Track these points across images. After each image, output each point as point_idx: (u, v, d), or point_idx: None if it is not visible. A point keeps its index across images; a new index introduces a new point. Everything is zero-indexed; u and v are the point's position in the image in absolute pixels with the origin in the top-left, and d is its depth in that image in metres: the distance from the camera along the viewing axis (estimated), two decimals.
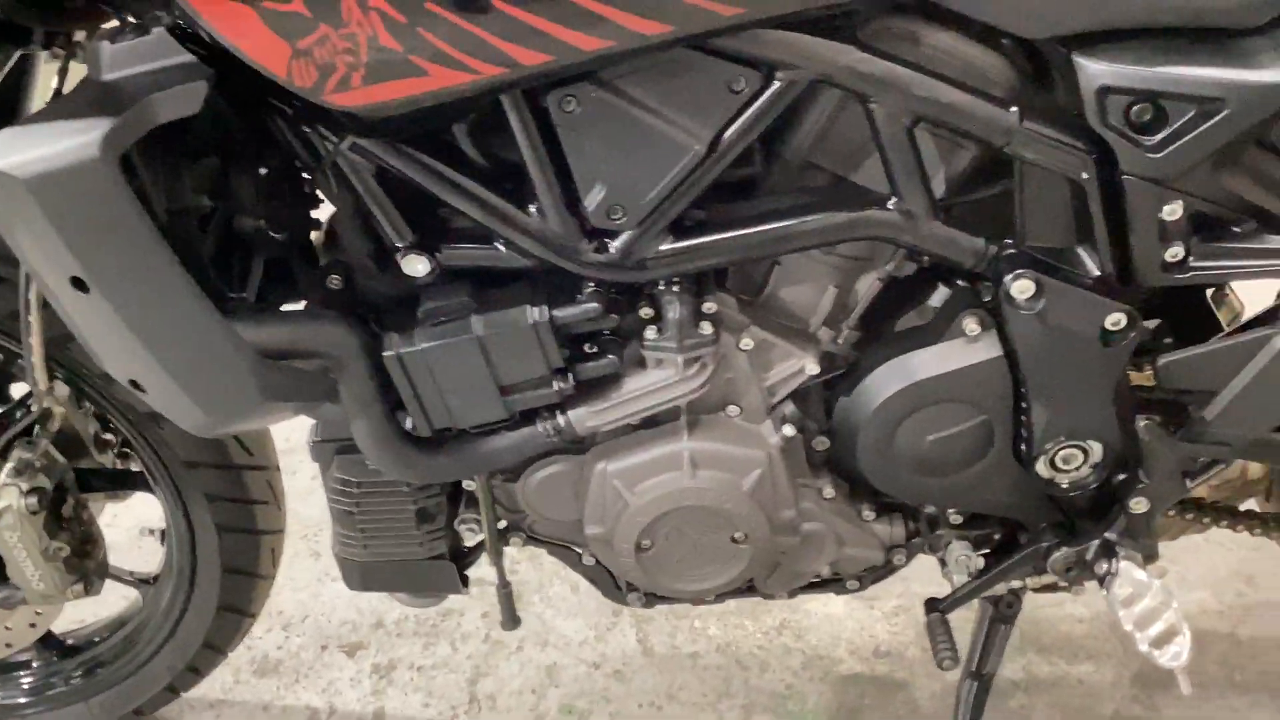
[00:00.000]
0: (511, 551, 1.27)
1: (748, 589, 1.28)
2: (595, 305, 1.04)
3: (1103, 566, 1.15)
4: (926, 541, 1.26)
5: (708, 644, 1.69)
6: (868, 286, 1.14)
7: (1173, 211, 1.01)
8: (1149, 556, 1.18)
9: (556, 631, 1.73)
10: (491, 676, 1.66)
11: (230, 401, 0.98)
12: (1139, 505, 1.14)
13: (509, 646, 1.71)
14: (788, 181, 1.07)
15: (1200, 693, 1.54)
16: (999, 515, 1.23)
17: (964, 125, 0.99)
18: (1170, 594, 1.12)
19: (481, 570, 1.82)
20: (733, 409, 1.15)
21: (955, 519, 1.24)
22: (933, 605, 1.26)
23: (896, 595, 1.73)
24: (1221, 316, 1.23)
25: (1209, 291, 1.26)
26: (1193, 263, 1.05)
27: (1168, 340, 1.18)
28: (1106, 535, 1.16)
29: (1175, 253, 1.04)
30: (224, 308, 0.96)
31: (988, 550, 1.27)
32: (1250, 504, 1.34)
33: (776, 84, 0.96)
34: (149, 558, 1.51)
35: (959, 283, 1.12)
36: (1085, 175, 1.00)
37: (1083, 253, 1.05)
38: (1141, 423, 1.11)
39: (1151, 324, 1.22)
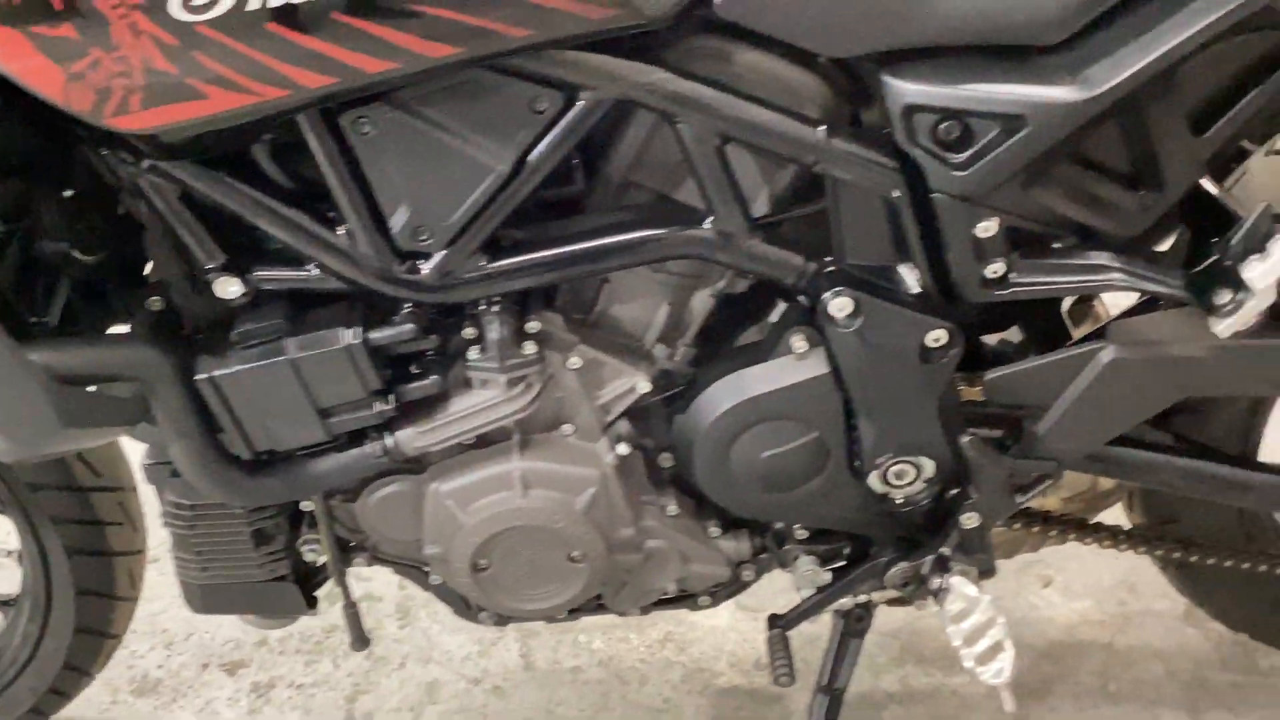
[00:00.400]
0: None
1: (599, 607, 1.28)
2: (411, 326, 1.04)
3: (936, 581, 1.15)
4: (775, 557, 1.26)
5: (590, 658, 1.69)
6: (702, 303, 1.14)
7: (987, 228, 1.02)
8: (985, 571, 1.18)
9: (440, 647, 1.72)
10: (371, 694, 1.66)
11: (31, 429, 0.97)
12: (970, 520, 1.15)
13: (391, 663, 1.71)
14: (610, 200, 1.08)
15: (1073, 703, 1.55)
16: (843, 530, 1.23)
17: (771, 143, 0.99)
18: (998, 610, 1.13)
19: (370, 585, 1.82)
20: (567, 427, 1.15)
21: (801, 534, 1.24)
22: (775, 621, 1.26)
23: (783, 608, 1.72)
24: (1086, 328, 1.24)
25: (1066, 303, 1.27)
26: (1014, 278, 1.05)
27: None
28: (941, 550, 1.16)
29: (995, 269, 1.04)
30: (22, 333, 0.95)
31: (839, 564, 1.28)
32: (1119, 516, 1.34)
33: (580, 104, 0.96)
34: (11, 579, 1.49)
35: (790, 299, 1.12)
36: (897, 193, 1.00)
37: (903, 270, 1.06)
38: (966, 438, 1.11)
39: (1006, 336, 1.24)
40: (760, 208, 1.08)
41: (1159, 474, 1.19)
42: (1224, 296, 0.97)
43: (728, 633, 1.72)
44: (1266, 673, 1.56)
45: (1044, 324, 1.23)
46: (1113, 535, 1.29)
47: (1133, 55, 0.92)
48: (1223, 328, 0.98)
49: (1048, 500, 1.30)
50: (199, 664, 1.73)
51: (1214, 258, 1.00)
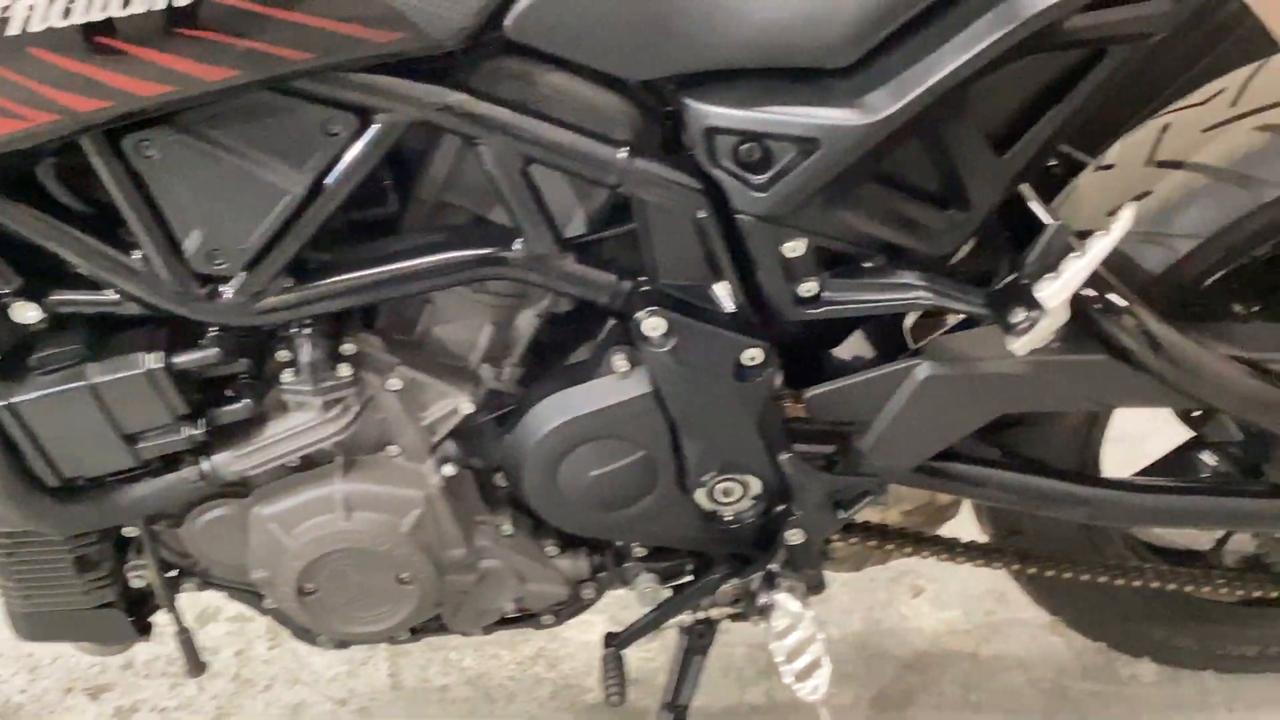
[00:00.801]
0: None
1: (439, 627, 1.27)
2: (217, 350, 1.03)
3: (763, 598, 1.16)
4: (614, 575, 1.26)
5: (459, 676, 1.68)
6: (527, 323, 1.14)
7: (794, 248, 1.03)
8: (814, 587, 1.19)
9: (309, 668, 1.71)
10: (235, 717, 1.64)
11: None
12: (795, 536, 1.15)
13: (258, 685, 1.69)
14: (426, 221, 1.07)
15: (934, 713, 1.56)
16: (678, 547, 1.23)
17: (571, 165, 0.99)
18: (819, 627, 1.13)
19: (241, 605, 1.80)
20: (392, 449, 1.14)
21: (640, 551, 1.25)
22: (610, 640, 1.26)
23: None
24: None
25: (910, 318, 1.28)
26: (827, 297, 1.06)
27: None
28: (769, 566, 1.17)
29: (808, 288, 1.05)
30: None
31: (682, 581, 1.28)
32: (974, 529, 1.36)
33: (376, 126, 0.96)
34: None
35: (616, 318, 1.13)
36: (703, 214, 1.01)
37: (717, 289, 1.06)
38: (784, 455, 1.12)
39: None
40: (576, 227, 1.08)
41: (985, 488, 1.20)
42: (1019, 315, 0.99)
43: (600, 649, 1.72)
44: (1126, 681, 1.58)
45: (883, 339, 1.24)
46: (949, 548, 1.30)
47: (918, 78, 0.93)
48: (1018, 346, 0.99)
49: (888, 514, 1.31)
50: (62, 688, 1.71)
51: (1012, 276, 1.01)
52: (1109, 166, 1.22)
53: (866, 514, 1.30)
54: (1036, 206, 1.12)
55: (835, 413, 1.13)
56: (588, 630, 1.74)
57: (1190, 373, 1.10)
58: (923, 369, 1.09)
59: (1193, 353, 1.10)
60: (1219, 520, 1.27)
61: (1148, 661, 1.57)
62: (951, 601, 1.73)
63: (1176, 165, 1.16)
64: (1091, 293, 1.09)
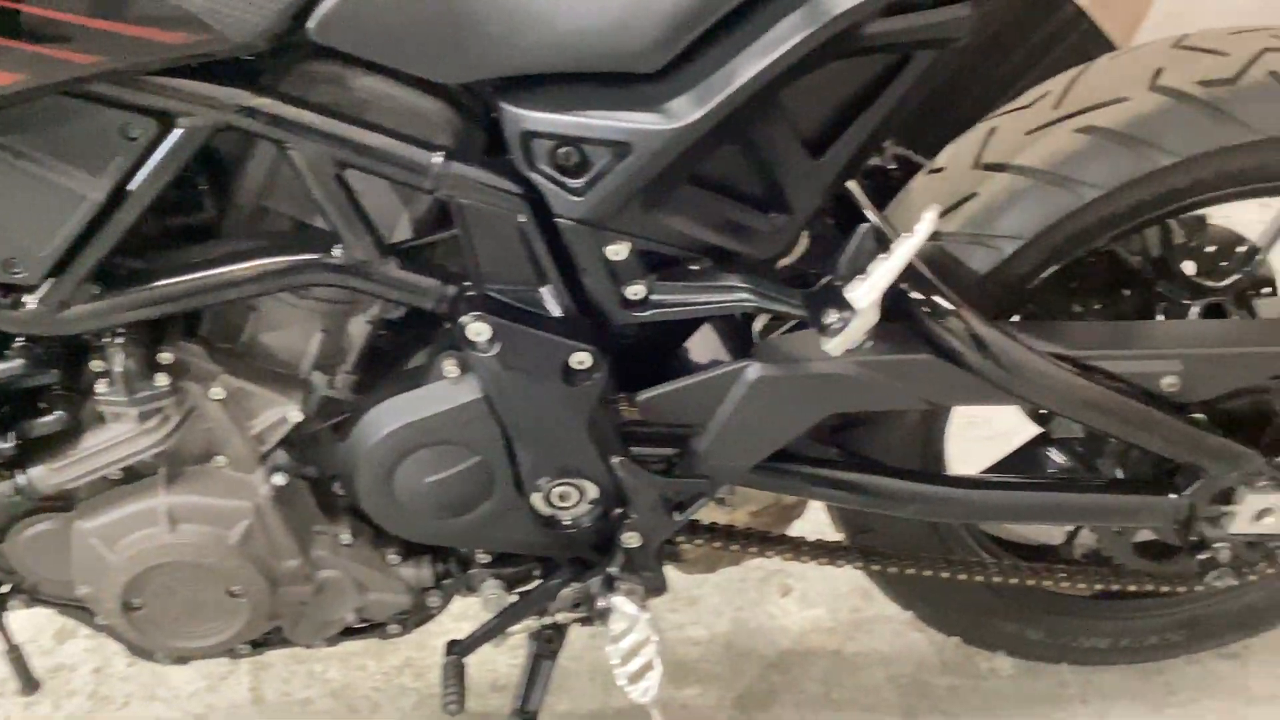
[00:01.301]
0: None
1: (282, 641, 1.26)
2: (22, 362, 1.00)
3: (602, 601, 1.16)
4: (459, 582, 1.25)
5: (323, 689, 1.66)
6: (359, 329, 1.13)
7: (617, 252, 1.03)
8: (655, 589, 1.19)
9: (168, 683, 1.67)
10: None
11: None
12: (631, 539, 1.16)
13: (114, 702, 1.65)
14: (246, 226, 1.06)
15: (796, 711, 1.57)
16: (521, 552, 1.23)
17: (385, 169, 0.99)
18: (654, 629, 1.14)
19: None
20: (219, 459, 1.12)
21: (484, 558, 1.24)
22: (452, 647, 1.26)
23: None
24: None
25: (759, 320, 1.29)
26: (655, 299, 1.07)
27: None
28: (609, 570, 1.17)
29: (635, 291, 1.06)
30: None
31: (530, 587, 1.28)
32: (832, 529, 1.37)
33: (178, 131, 0.94)
34: None
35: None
36: (523, 219, 1.01)
37: (545, 293, 1.06)
38: (617, 459, 1.12)
39: None
40: (401, 232, 1.07)
41: (823, 488, 1.22)
42: (832, 315, 1.00)
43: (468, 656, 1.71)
44: (984, 675, 1.61)
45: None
46: (796, 548, 1.31)
47: (724, 82, 0.93)
48: (832, 346, 1.01)
49: (736, 515, 1.32)
50: None
51: (826, 278, 1.02)
52: (940, 170, 1.24)
53: (714, 515, 1.31)
54: (867, 209, 1.14)
55: (670, 415, 1.14)
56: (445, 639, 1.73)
57: (1012, 371, 1.12)
58: (752, 370, 1.10)
59: (1015, 352, 1.12)
60: (1057, 515, 1.30)
61: (1006, 655, 1.60)
62: (819, 600, 1.75)
63: (1001, 168, 1.18)
64: (918, 295, 1.11)
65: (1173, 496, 1.23)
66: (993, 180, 1.18)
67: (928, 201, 1.21)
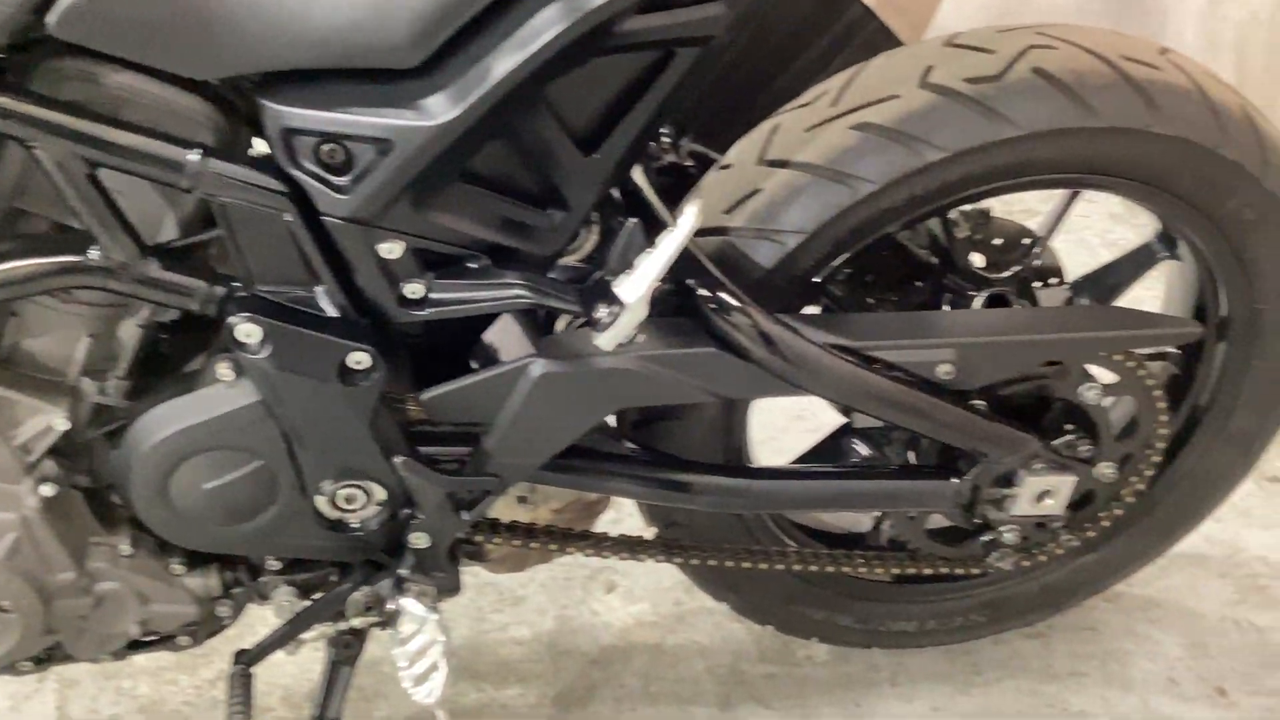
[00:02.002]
0: None
1: (65, 656, 1.22)
2: None
3: (391, 604, 1.15)
4: (250, 590, 1.23)
5: (131, 705, 1.61)
6: (130, 333, 1.10)
7: (391, 250, 1.03)
8: (448, 590, 1.19)
9: None
10: None
11: None
12: (419, 540, 1.15)
13: None
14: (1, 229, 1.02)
15: (613, 706, 1.59)
16: (313, 557, 1.22)
17: (140, 169, 0.97)
18: (442, 630, 1.13)
19: None
20: None
21: (274, 564, 1.22)
22: (240, 657, 1.24)
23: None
24: None
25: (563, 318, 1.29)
26: (434, 298, 1.06)
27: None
28: (399, 572, 1.17)
29: (413, 289, 1.05)
30: None
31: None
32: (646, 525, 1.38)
33: None
34: None
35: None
36: (289, 217, 0.99)
37: (319, 293, 1.05)
38: (399, 459, 1.11)
39: None
40: (166, 232, 1.05)
41: (615, 483, 1.23)
42: (602, 310, 1.01)
43: (286, 666, 1.68)
44: (801, 662, 1.64)
45: None
46: (598, 543, 1.32)
47: (482, 77, 0.94)
48: (603, 341, 1.02)
49: (538, 512, 1.32)
50: None
51: (599, 274, 1.04)
52: (728, 166, 1.26)
53: (516, 513, 1.31)
54: (655, 205, 1.16)
55: (457, 414, 1.14)
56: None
57: (794, 363, 1.15)
58: (536, 367, 1.10)
59: (796, 344, 1.15)
60: (849, 502, 1.34)
61: (821, 642, 1.63)
62: (643, 595, 1.76)
63: (783, 164, 1.21)
64: (703, 290, 1.13)
65: (954, 481, 1.28)
66: (775, 176, 1.21)
67: (716, 197, 1.24)
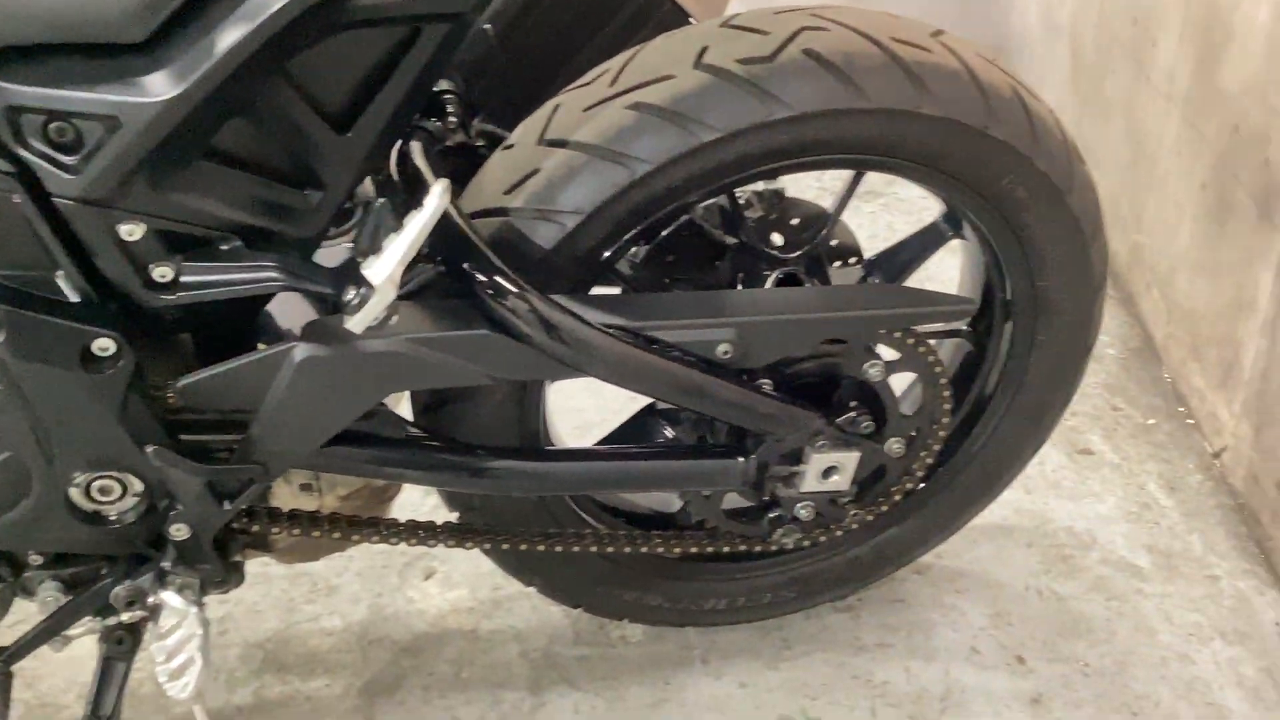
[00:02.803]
0: None
1: None
2: None
3: (153, 597, 1.12)
4: (14, 585, 1.19)
5: None
6: None
7: (131, 232, 1.00)
8: (217, 583, 1.16)
9: None
10: None
11: None
12: (179, 531, 1.13)
13: None
14: None
15: (423, 694, 1.58)
16: (75, 550, 1.18)
17: None
18: (201, 624, 1.11)
19: None
20: None
21: (36, 559, 1.18)
22: None
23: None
24: None
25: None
26: (185, 280, 1.04)
27: None
28: (162, 564, 1.14)
29: (162, 273, 1.02)
30: None
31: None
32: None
33: None
34: None
35: None
36: (18, 199, 0.96)
37: (59, 278, 1.01)
38: (151, 449, 1.08)
39: None
40: None
41: (393, 469, 1.21)
42: (351, 293, 0.99)
43: (87, 661, 1.63)
44: (615, 643, 1.65)
45: None
46: (386, 531, 1.30)
47: (207, 54, 0.91)
48: (353, 324, 1.00)
49: (326, 500, 1.30)
50: None
51: (349, 255, 1.02)
52: (511, 146, 1.25)
53: (302, 501, 1.29)
54: (432, 184, 1.14)
55: (217, 401, 1.11)
56: (74, 647, 1.65)
57: (571, 345, 1.15)
58: (299, 351, 1.08)
59: (572, 326, 1.15)
60: (638, 483, 1.34)
61: (634, 623, 1.64)
62: (461, 581, 1.75)
63: (562, 144, 1.20)
64: (477, 272, 1.12)
65: (739, 460, 1.29)
66: (554, 156, 1.21)
67: (499, 177, 1.23)
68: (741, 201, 1.39)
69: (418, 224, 0.97)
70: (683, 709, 1.55)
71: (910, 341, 1.30)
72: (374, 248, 1.00)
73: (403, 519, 1.34)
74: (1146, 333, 2.29)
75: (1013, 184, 1.29)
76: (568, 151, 1.20)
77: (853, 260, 1.48)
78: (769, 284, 1.37)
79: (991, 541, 1.81)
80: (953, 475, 1.56)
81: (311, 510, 1.27)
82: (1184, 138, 2.13)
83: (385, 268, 0.97)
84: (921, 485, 1.53)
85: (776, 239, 1.42)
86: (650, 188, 1.20)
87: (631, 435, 1.47)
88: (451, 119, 1.34)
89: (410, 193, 1.18)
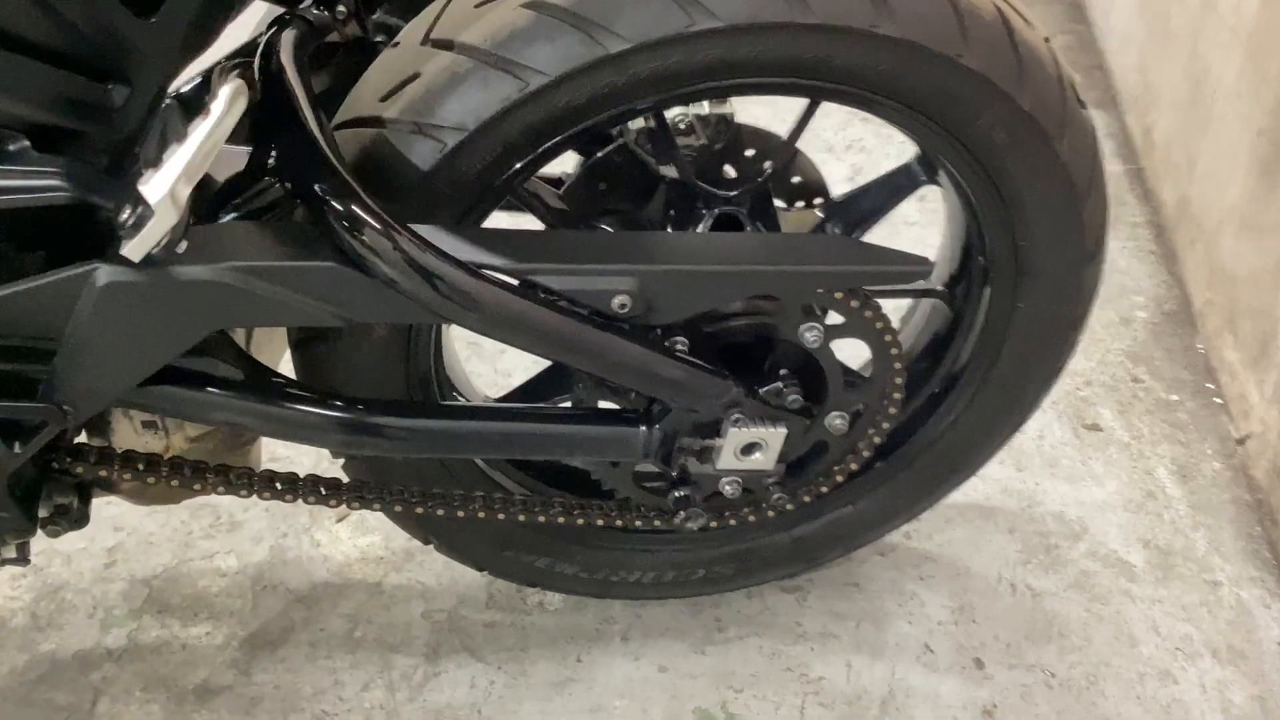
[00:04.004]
0: None
1: None
2: None
3: None
4: None
5: None
6: None
7: None
8: (16, 531, 1.04)
9: None
10: None
11: None
12: None
13: None
14: None
15: (308, 651, 1.46)
16: None
17: None
18: None
19: None
20: None
21: None
22: None
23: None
24: None
25: None
26: None
27: None
28: None
29: None
30: None
31: None
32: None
33: None
34: None
35: None
36: None
37: None
38: None
39: None
40: None
41: (225, 414, 1.07)
42: (126, 212, 0.84)
43: None
44: (530, 610, 1.52)
45: None
46: (230, 482, 1.16)
47: None
48: (129, 249, 0.86)
49: (172, 440, 1.17)
50: None
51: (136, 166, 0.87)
52: (397, 44, 1.09)
53: (145, 441, 1.16)
54: (298, 92, 0.99)
55: (10, 327, 0.97)
56: None
57: (429, 286, 0.99)
58: (101, 274, 0.94)
59: (431, 263, 0.99)
60: (528, 448, 1.19)
61: (547, 591, 1.51)
62: (377, 526, 1.63)
63: (449, 45, 1.04)
64: (326, 193, 0.97)
65: (641, 429, 1.13)
66: (437, 60, 1.05)
67: (381, 80, 1.07)
68: (682, 126, 1.22)
69: (200, 134, 0.82)
70: (590, 692, 1.42)
71: (854, 304, 1.13)
72: (157, 159, 0.85)
73: (261, 468, 1.21)
74: (1185, 295, 2.08)
75: (990, 125, 1.11)
76: (452, 55, 1.04)
77: (814, 202, 1.31)
78: (703, 226, 1.20)
79: (968, 523, 1.65)
80: (915, 454, 1.39)
81: (152, 453, 1.14)
82: (1245, 75, 1.90)
83: (162, 185, 0.82)
84: (877, 465, 1.37)
85: (727, 172, 1.25)
86: (547, 104, 1.04)
87: (542, 390, 1.32)
88: (341, 8, 1.17)
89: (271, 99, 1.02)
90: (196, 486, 1.15)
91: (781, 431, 1.15)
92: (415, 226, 1.00)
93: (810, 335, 1.14)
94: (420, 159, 1.04)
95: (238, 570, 1.56)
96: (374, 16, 1.22)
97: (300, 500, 1.19)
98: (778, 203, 1.27)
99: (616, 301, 1.04)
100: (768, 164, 1.21)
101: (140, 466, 1.12)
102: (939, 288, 1.33)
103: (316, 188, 0.98)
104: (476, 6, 1.04)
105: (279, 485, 1.18)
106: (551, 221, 1.23)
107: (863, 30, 1.03)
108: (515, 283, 1.03)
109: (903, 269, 1.10)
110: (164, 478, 1.13)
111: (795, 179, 1.30)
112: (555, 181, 1.28)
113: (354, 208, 0.97)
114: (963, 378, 1.34)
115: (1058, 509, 1.68)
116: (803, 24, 1.02)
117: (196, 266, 0.95)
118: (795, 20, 1.02)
